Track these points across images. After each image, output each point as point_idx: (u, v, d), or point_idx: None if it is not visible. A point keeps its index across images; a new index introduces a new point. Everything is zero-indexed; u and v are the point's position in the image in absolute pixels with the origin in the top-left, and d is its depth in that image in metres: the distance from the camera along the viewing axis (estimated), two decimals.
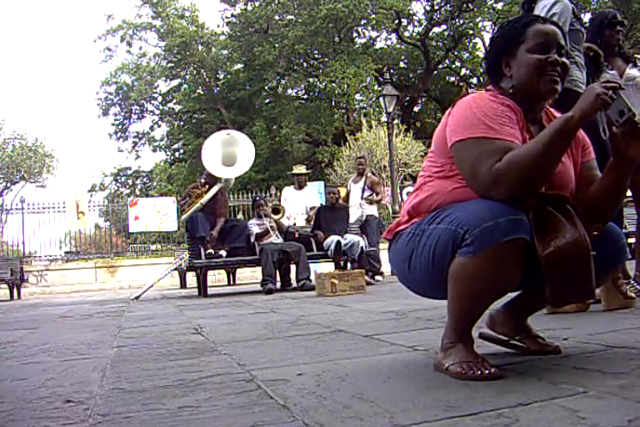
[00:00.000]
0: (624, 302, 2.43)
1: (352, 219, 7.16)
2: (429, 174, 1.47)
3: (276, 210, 6.68)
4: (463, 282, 1.29)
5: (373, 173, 8.02)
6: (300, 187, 7.51)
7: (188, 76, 27.45)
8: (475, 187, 1.32)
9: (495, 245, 1.23)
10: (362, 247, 6.48)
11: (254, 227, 6.48)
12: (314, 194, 7.86)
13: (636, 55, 3.11)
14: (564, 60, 1.43)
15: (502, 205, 1.26)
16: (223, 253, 6.32)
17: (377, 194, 7.31)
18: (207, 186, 6.61)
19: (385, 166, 14.89)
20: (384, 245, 1.89)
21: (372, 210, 7.31)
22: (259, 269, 6.56)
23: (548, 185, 1.40)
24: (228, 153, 6.94)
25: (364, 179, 7.34)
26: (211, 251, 6.14)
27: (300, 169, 7.67)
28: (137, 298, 6.70)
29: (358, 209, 7.18)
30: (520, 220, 1.25)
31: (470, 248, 1.25)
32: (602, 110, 1.29)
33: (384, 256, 6.61)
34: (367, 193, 7.24)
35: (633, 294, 2.48)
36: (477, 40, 27.35)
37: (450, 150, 1.40)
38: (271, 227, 6.44)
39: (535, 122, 1.48)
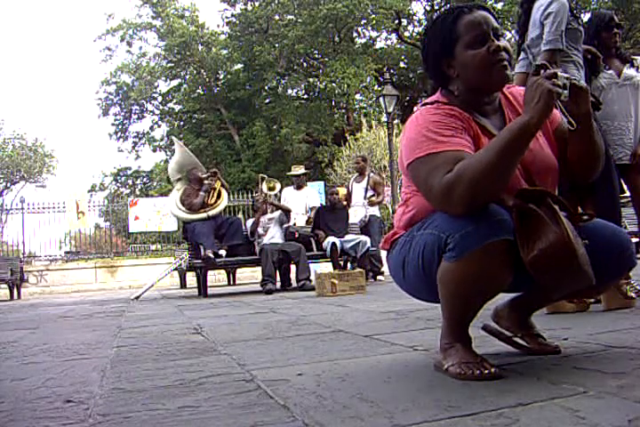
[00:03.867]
0: (624, 301, 2.43)
1: (356, 219, 7.11)
2: (412, 191, 1.46)
3: (271, 188, 6.73)
4: (450, 286, 1.29)
5: (378, 173, 8.03)
6: (300, 187, 7.49)
7: (188, 76, 27.41)
8: (432, 203, 1.30)
9: (478, 249, 1.22)
10: (368, 247, 6.48)
11: (249, 223, 6.55)
12: (314, 194, 7.84)
13: (632, 56, 3.12)
14: (504, 42, 1.38)
15: (485, 208, 1.24)
16: (223, 252, 6.31)
17: (378, 194, 7.28)
18: (212, 177, 6.60)
19: (385, 166, 14.89)
20: None
21: (375, 210, 7.30)
22: (259, 269, 6.56)
23: (527, 176, 1.38)
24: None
25: (366, 178, 7.30)
26: (210, 255, 6.09)
27: (297, 170, 7.65)
28: (137, 298, 6.69)
29: (362, 209, 7.13)
30: (502, 220, 1.24)
31: (453, 253, 1.25)
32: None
33: (385, 256, 6.60)
34: (370, 193, 7.19)
35: (633, 294, 2.48)
36: None
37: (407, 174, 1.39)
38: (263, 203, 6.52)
39: (495, 112, 1.45)
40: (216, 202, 6.49)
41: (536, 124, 1.23)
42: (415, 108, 1.45)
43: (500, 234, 1.22)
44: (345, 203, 7.23)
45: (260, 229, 6.52)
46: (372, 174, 7.52)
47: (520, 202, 1.29)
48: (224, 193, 6.60)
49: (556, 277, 1.27)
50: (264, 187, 6.68)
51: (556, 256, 1.22)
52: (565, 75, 1.29)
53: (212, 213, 6.38)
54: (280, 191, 7.36)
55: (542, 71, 1.27)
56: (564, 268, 1.24)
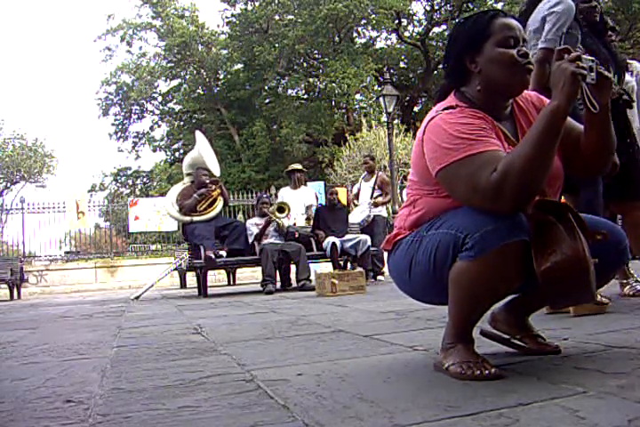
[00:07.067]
0: (594, 307, 2.30)
1: (359, 218, 7.08)
2: (421, 193, 1.45)
3: (281, 209, 6.65)
4: (464, 286, 1.29)
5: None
6: (296, 187, 7.45)
7: (188, 76, 27.42)
8: (478, 203, 1.27)
9: (496, 249, 1.22)
10: (368, 246, 6.47)
11: (253, 227, 6.48)
12: (310, 193, 7.81)
13: (628, 61, 3.12)
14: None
15: None
16: (223, 253, 6.31)
17: (386, 194, 7.24)
18: (213, 185, 6.60)
19: (385, 166, 14.89)
20: None
21: (381, 210, 7.23)
22: (259, 269, 6.55)
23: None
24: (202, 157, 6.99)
25: (374, 177, 7.25)
26: (211, 255, 6.09)
27: (296, 165, 7.63)
28: (137, 298, 6.69)
29: (367, 208, 7.09)
30: (520, 221, 1.25)
31: (471, 252, 1.25)
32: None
33: (386, 257, 6.58)
34: (377, 193, 7.14)
35: (605, 300, 2.38)
36: None
37: (435, 179, 1.36)
38: (271, 221, 6.43)
39: (506, 118, 1.46)
40: (206, 209, 6.50)
41: (565, 108, 1.24)
42: (432, 113, 1.41)
43: (520, 234, 1.24)
44: (345, 203, 7.20)
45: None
46: (380, 173, 7.46)
47: (540, 212, 1.30)
48: (219, 203, 6.56)
49: (563, 290, 1.28)
50: (274, 208, 6.59)
51: (569, 270, 1.23)
52: (590, 57, 1.30)
53: (196, 218, 6.41)
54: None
55: (566, 55, 1.28)
56: (574, 282, 1.25)
